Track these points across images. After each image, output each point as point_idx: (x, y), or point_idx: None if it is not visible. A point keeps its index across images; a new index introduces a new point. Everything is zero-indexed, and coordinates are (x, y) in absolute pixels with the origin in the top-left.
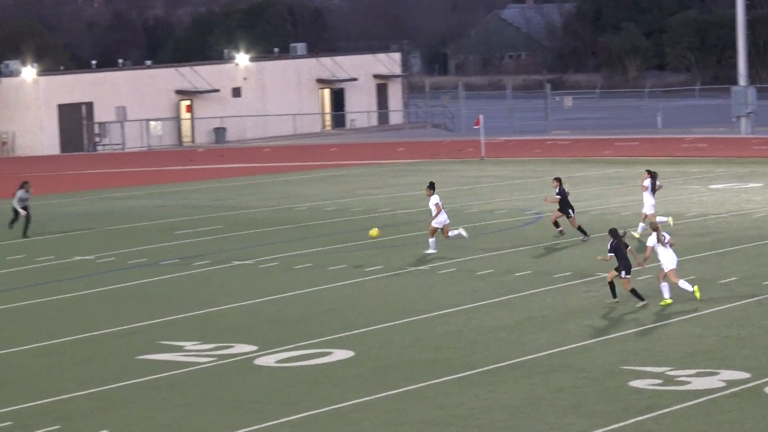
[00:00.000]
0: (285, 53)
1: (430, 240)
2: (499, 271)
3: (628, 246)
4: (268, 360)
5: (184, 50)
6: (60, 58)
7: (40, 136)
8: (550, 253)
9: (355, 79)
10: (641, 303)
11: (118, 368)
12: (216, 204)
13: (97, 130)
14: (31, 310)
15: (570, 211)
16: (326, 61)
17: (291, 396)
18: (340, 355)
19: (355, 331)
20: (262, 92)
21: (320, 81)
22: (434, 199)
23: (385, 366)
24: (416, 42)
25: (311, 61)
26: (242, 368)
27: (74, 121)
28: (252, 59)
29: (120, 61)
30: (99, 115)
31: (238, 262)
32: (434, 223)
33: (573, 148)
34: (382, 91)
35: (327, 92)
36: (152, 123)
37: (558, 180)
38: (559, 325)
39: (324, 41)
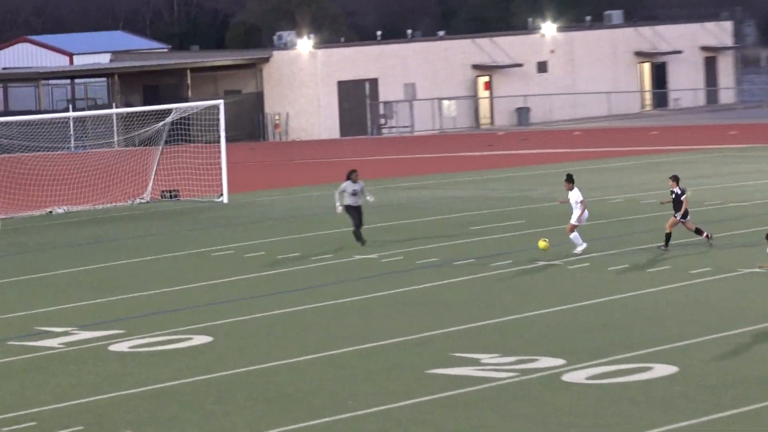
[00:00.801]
0: (598, 22)
1: (572, 236)
2: None
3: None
4: (578, 376)
5: (481, 19)
6: (340, 29)
7: (318, 118)
8: None
9: (679, 52)
10: None
11: (406, 383)
12: (518, 195)
13: (382, 110)
14: (308, 315)
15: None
16: (646, 31)
17: (605, 418)
18: (662, 370)
19: (678, 344)
20: (572, 67)
21: (639, 54)
22: (576, 194)
23: (714, 384)
24: (750, 9)
25: (628, 31)
26: (548, 385)
27: (356, 101)
28: (560, 29)
29: (409, 32)
30: (384, 94)
31: (543, 263)
32: (574, 221)
33: None
34: (710, 66)
35: (647, 67)
36: (445, 102)
37: (674, 179)
38: None
39: (643, 8)
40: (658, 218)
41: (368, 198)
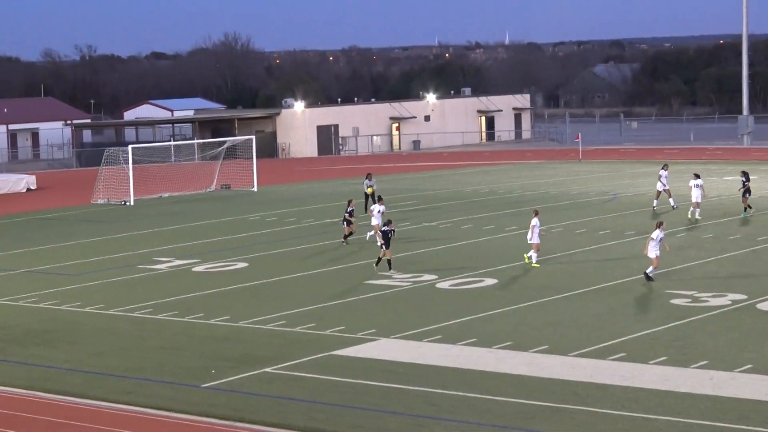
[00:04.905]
0: (457, 94)
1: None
2: (590, 230)
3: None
4: (445, 284)
5: (395, 92)
6: (318, 97)
7: (305, 146)
8: (622, 219)
9: (501, 110)
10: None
11: (352, 288)
12: (413, 187)
13: (340, 141)
14: (299, 253)
15: (746, 194)
16: (483, 99)
17: (456, 306)
18: (490, 282)
19: (499, 267)
20: (443, 118)
21: (479, 111)
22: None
23: (518, 288)
24: (540, 87)
25: (474, 99)
26: (429, 289)
27: (326, 136)
28: (437, 98)
29: (355, 98)
30: (342, 132)
31: (426, 224)
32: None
33: (637, 154)
34: (518, 118)
35: (483, 118)
36: (375, 137)
37: (744, 173)
38: (628, 264)
39: (482, 86)
40: (489, 200)
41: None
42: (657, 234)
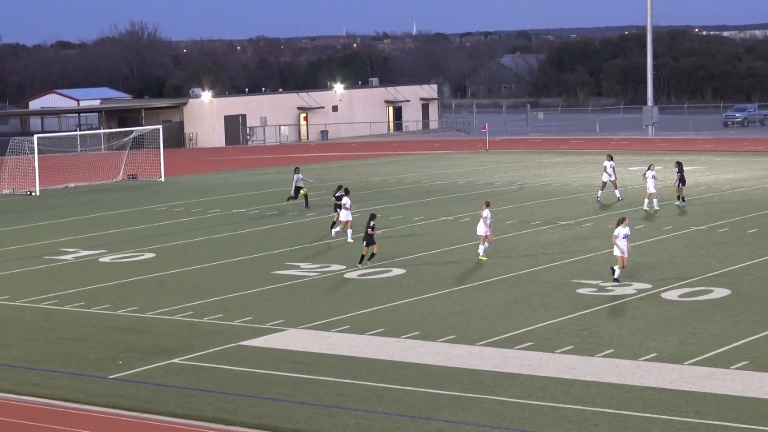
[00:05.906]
0: (365, 84)
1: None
2: (497, 220)
3: None
4: (353, 275)
5: (303, 82)
6: (226, 87)
7: (213, 136)
8: (528, 209)
9: (408, 101)
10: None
11: (260, 279)
12: (322, 177)
13: (248, 131)
14: (206, 243)
15: (681, 184)
16: (391, 89)
17: (364, 296)
18: (397, 272)
19: (408, 256)
20: (351, 108)
21: (387, 102)
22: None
23: (428, 278)
24: (447, 77)
25: (382, 89)
26: (337, 279)
27: (234, 126)
28: (345, 88)
29: (263, 88)
30: (250, 122)
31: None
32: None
33: (544, 144)
34: (425, 108)
35: (391, 109)
36: (282, 127)
37: (678, 163)
38: (534, 254)
39: (389, 77)
40: (396, 190)
41: (310, 180)
42: (620, 231)
